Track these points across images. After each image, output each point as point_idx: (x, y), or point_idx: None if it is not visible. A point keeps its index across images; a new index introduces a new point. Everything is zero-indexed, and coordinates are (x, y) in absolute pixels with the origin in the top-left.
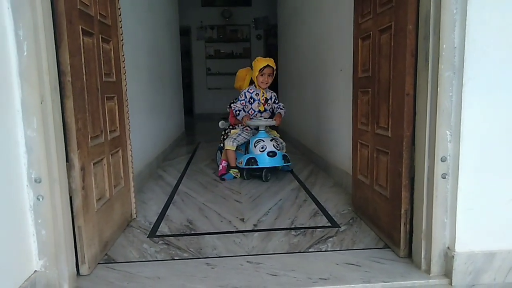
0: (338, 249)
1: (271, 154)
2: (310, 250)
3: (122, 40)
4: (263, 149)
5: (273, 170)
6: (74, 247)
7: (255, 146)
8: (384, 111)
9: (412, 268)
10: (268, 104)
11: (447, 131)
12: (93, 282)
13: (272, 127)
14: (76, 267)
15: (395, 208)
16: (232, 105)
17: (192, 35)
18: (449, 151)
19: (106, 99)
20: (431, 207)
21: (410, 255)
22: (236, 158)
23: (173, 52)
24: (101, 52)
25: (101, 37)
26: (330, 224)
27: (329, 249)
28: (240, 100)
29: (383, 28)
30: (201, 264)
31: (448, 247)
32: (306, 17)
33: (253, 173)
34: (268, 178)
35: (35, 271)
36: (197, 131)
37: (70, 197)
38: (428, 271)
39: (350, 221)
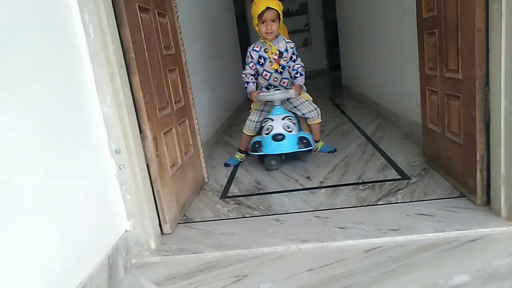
0: (409, 200)
1: (278, 137)
2: (379, 203)
3: (177, 12)
4: (268, 131)
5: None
6: (155, 209)
7: (262, 126)
8: (453, 52)
9: (491, 215)
10: (285, 59)
11: None
12: (175, 239)
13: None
14: (160, 226)
15: (469, 155)
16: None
17: None
18: None
19: (168, 72)
20: (510, 150)
21: (488, 203)
22: (249, 141)
23: (227, 18)
24: (159, 27)
25: (157, 12)
26: (400, 177)
27: (399, 201)
28: (248, 64)
29: None
30: (271, 220)
31: None
32: None
33: (263, 158)
34: (273, 166)
35: (126, 230)
36: None
37: (147, 165)
38: (509, 217)
39: (422, 172)
